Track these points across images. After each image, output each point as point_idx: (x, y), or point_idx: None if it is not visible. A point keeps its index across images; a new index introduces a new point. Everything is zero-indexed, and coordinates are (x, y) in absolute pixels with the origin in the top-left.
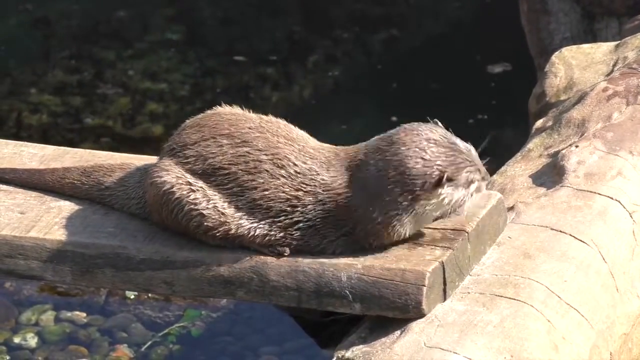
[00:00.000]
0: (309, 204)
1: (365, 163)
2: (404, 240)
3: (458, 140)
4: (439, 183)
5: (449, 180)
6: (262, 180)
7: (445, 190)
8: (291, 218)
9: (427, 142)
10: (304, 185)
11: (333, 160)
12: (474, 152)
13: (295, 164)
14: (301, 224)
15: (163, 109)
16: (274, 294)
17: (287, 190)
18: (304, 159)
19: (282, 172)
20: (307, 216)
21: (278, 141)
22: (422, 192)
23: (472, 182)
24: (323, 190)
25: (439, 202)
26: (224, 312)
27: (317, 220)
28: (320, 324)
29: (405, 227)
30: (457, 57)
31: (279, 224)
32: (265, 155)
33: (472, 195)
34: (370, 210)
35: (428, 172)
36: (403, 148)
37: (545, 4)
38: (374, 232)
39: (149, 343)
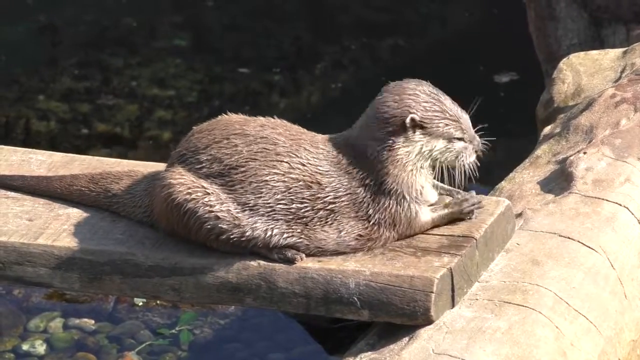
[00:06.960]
0: (327, 186)
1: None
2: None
3: (447, 100)
4: (407, 124)
5: (420, 126)
6: (282, 173)
7: (418, 137)
8: (313, 207)
9: (409, 92)
10: (320, 168)
11: (337, 138)
12: (464, 116)
13: (310, 150)
14: (322, 212)
15: (171, 116)
16: (282, 300)
17: (307, 178)
18: (316, 144)
19: (301, 160)
20: (328, 199)
21: (291, 134)
22: (394, 130)
23: (453, 137)
24: (338, 168)
25: (415, 148)
26: (232, 318)
27: (339, 200)
28: (328, 331)
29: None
30: (464, 66)
31: (299, 220)
32: (283, 147)
33: (459, 153)
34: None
35: (398, 115)
36: (386, 94)
37: (553, 10)
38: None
39: (142, 346)
